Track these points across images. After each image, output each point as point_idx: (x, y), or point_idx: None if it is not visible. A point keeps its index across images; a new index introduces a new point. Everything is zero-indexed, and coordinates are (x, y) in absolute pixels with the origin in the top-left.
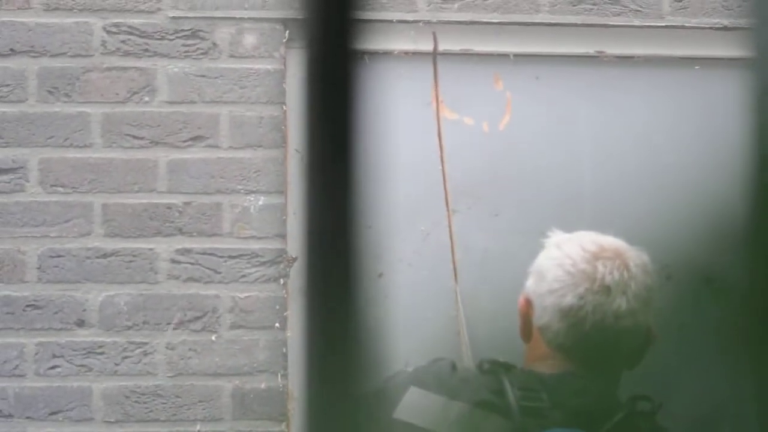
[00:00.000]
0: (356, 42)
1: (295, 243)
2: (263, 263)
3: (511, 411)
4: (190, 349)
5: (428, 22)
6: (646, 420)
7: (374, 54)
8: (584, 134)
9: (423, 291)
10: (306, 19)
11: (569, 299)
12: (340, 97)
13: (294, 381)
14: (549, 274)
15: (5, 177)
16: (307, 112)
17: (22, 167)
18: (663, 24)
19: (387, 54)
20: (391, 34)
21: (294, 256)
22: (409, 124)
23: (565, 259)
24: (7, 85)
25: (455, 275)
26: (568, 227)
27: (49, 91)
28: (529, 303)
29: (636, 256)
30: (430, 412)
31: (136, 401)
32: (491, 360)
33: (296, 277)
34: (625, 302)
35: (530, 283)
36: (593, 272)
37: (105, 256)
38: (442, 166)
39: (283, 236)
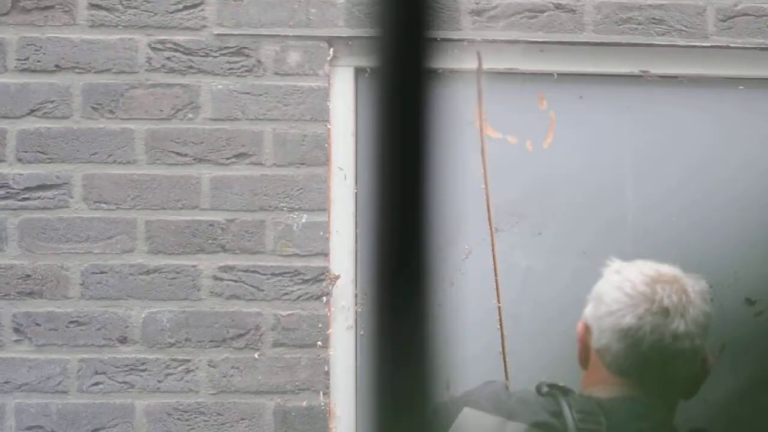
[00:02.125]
0: (425, 62)
1: (337, 261)
2: (306, 281)
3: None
4: (232, 367)
5: (472, 41)
6: None
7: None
8: (628, 154)
9: (465, 309)
10: (376, 38)
11: (628, 320)
12: (410, 117)
13: (336, 399)
14: (608, 297)
15: (49, 193)
16: (376, 131)
17: (66, 183)
18: (708, 44)
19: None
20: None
21: (337, 274)
22: (452, 142)
23: (625, 283)
24: (52, 101)
25: (498, 294)
26: (611, 246)
27: (94, 108)
28: (587, 328)
29: (694, 283)
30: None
31: (178, 418)
32: (550, 383)
33: (339, 295)
34: (683, 325)
35: (589, 309)
36: (652, 294)
37: (148, 272)
38: (486, 184)
39: (325, 254)
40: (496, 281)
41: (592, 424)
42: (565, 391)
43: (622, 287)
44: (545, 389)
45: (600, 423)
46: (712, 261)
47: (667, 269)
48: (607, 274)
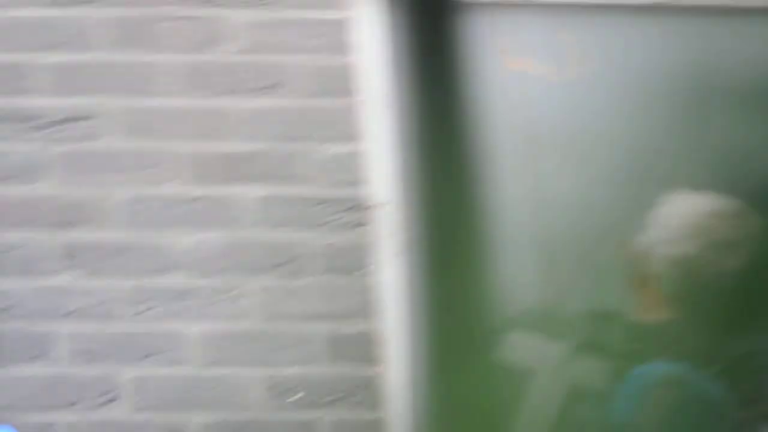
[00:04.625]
0: None
1: (381, 188)
2: (351, 208)
3: (613, 352)
4: (281, 294)
5: None
6: (750, 372)
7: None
8: (652, 84)
9: (506, 236)
10: None
11: (685, 249)
12: (438, 46)
13: (386, 325)
14: (669, 225)
15: (85, 123)
16: (406, 60)
17: (105, 114)
18: None
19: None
20: None
21: (381, 201)
22: (475, 73)
23: (687, 212)
24: (82, 33)
25: (533, 222)
26: (635, 178)
27: (123, 39)
28: (645, 252)
29: (758, 221)
30: (531, 353)
31: (229, 344)
32: (598, 307)
33: (385, 222)
34: (737, 261)
35: (650, 234)
36: (711, 227)
37: (195, 200)
38: (508, 115)
39: (369, 182)
40: (531, 210)
41: (636, 344)
42: (614, 315)
43: (683, 216)
44: (593, 312)
45: (644, 343)
46: (746, 187)
47: (732, 205)
48: (673, 202)
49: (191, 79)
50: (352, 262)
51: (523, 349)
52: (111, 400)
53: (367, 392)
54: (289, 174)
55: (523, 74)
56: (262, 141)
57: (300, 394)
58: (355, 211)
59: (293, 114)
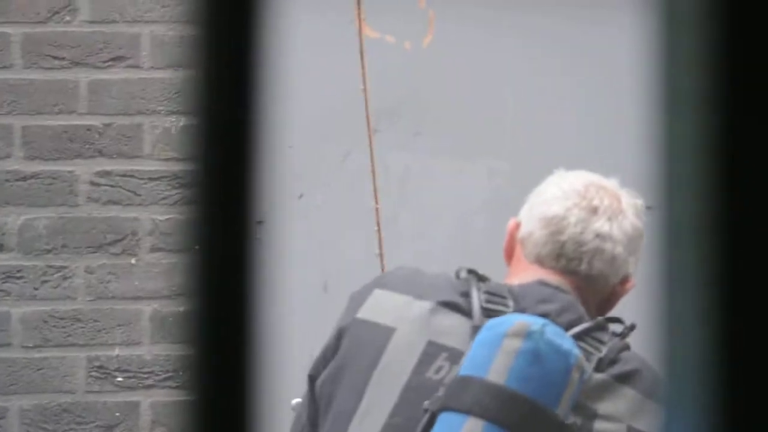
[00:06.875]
0: None
1: None
2: (184, 185)
3: (473, 312)
4: (109, 273)
5: None
6: (612, 337)
7: None
8: (507, 55)
9: (343, 211)
10: None
11: (555, 209)
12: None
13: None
14: (543, 192)
15: None
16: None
17: None
18: None
19: None
20: None
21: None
22: (330, 42)
23: (563, 182)
24: None
25: (375, 195)
26: (487, 148)
27: None
28: (518, 224)
29: (630, 196)
30: (394, 311)
31: (54, 326)
32: (470, 269)
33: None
34: (608, 227)
35: (525, 206)
36: (585, 192)
37: (24, 178)
38: (364, 84)
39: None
40: (374, 182)
41: (498, 305)
42: (482, 278)
43: (558, 184)
44: (463, 274)
45: (507, 305)
46: (589, 165)
47: (608, 181)
48: (550, 177)
49: (38, 50)
50: (183, 240)
51: (383, 306)
52: None
53: (189, 374)
54: (124, 150)
55: (380, 42)
56: (101, 115)
57: (122, 377)
58: (190, 187)
59: (137, 86)
